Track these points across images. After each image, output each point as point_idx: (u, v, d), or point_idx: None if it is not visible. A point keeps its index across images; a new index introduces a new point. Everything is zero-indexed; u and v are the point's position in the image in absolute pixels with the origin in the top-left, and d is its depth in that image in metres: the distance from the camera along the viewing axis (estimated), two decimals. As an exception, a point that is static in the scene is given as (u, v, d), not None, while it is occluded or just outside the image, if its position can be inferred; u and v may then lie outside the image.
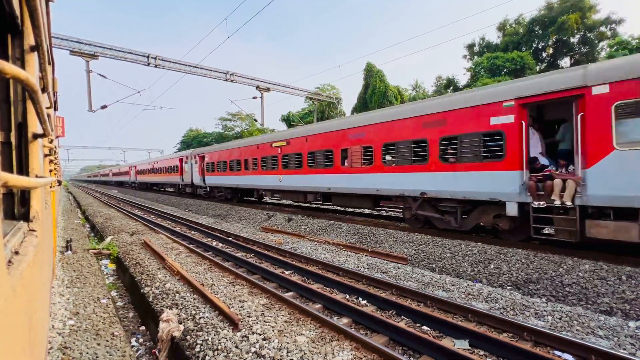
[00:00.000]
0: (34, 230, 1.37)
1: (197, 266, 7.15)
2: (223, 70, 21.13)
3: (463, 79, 41.65)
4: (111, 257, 9.31)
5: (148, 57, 18.06)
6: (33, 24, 1.17)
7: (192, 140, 67.74)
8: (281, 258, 7.65)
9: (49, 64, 3.06)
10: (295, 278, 6.41)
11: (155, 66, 18.33)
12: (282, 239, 9.64)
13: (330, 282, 6.07)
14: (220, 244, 9.79)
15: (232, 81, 21.63)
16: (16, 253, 0.99)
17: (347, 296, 5.48)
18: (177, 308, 5.03)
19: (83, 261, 8.08)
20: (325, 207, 17.05)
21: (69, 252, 8.78)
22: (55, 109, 6.30)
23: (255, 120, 23.05)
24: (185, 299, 5.25)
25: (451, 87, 41.13)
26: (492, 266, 6.47)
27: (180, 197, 25.56)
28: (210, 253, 8.69)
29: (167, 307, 5.13)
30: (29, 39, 1.44)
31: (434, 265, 7.14)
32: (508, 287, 5.87)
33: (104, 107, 16.68)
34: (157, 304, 5.41)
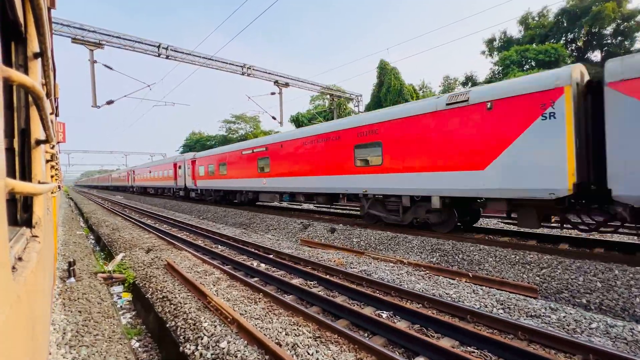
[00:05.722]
0: (36, 236, 1.33)
1: (250, 304, 5.13)
2: (239, 63, 19.19)
3: (482, 75, 39.92)
4: (125, 284, 7.29)
5: (159, 46, 16.08)
6: (38, 31, 1.22)
7: (195, 144, 65.86)
8: (358, 288, 5.63)
9: (51, 70, 2.97)
10: (404, 326, 4.39)
11: (167, 57, 16.35)
12: (342, 259, 7.61)
13: (460, 333, 4.04)
14: (263, 265, 7.76)
15: (248, 75, 19.68)
16: (19, 259, 0.96)
17: (516, 366, 3.46)
18: (255, 398, 3.01)
19: (91, 293, 6.07)
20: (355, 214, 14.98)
21: (72, 279, 6.76)
22: (57, 115, 6.25)
23: (274, 118, 21.05)
24: (263, 377, 3.23)
25: (469, 84, 39.34)
26: (691, 306, 4.44)
27: (191, 203, 23.54)
28: (256, 279, 6.66)
29: (235, 394, 3.11)
30: (32, 46, 1.40)
31: (583, 300, 5.11)
32: None
33: (110, 102, 14.72)
34: (214, 381, 3.39)
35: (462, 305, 4.68)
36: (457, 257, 7.14)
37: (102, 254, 11.41)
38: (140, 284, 6.75)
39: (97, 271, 7.78)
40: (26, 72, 1.42)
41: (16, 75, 0.67)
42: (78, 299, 5.72)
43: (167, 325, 4.81)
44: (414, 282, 5.89)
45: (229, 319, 4.39)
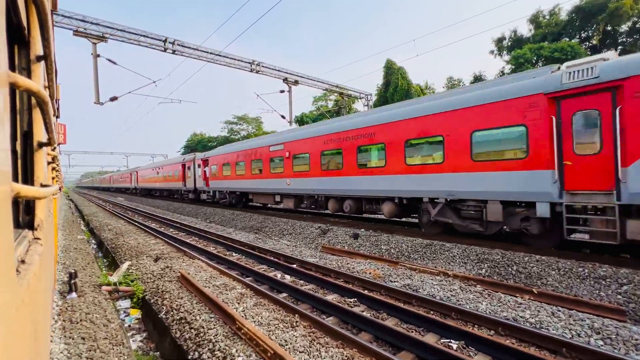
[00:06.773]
0: (38, 239, 1.33)
1: (287, 329, 4.28)
2: (248, 59, 18.40)
3: (490, 75, 39.17)
4: (134, 298, 6.44)
5: (165, 41, 15.26)
6: (43, 35, 1.24)
7: (197, 145, 65.10)
8: (408, 308, 4.79)
9: (54, 72, 3.10)
10: (485, 362, 3.55)
11: (173, 52, 15.53)
12: (377, 270, 6.76)
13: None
14: (288, 277, 6.91)
15: (257, 72, 18.88)
16: (22, 262, 0.94)
17: None
18: None
19: (95, 313, 5.21)
20: (381, 218, 14.11)
21: (74, 294, 5.91)
22: (57, 116, 6.26)
23: (283, 117, 20.26)
24: None
25: (478, 84, 38.58)
26: None
27: (195, 205, 22.71)
28: (284, 295, 5.82)
29: None
30: (36, 49, 1.42)
31: (687, 327, 4.27)
32: None
33: (114, 98, 13.90)
34: None
35: (549, 334, 3.83)
36: (510, 269, 6.29)
37: (105, 260, 10.57)
38: (151, 300, 5.91)
39: (101, 283, 6.93)
40: (29, 75, 1.43)
41: (22, 80, 0.68)
42: (81, 320, 4.87)
43: (190, 358, 3.96)
44: (474, 300, 5.05)
45: (268, 354, 3.54)
